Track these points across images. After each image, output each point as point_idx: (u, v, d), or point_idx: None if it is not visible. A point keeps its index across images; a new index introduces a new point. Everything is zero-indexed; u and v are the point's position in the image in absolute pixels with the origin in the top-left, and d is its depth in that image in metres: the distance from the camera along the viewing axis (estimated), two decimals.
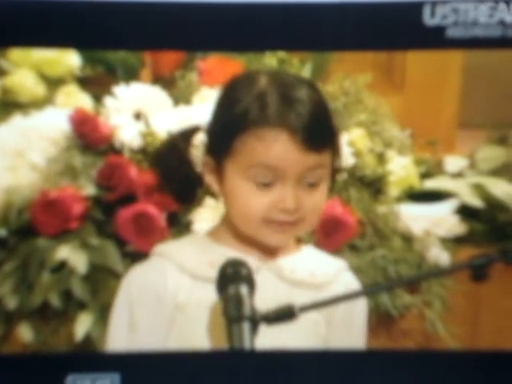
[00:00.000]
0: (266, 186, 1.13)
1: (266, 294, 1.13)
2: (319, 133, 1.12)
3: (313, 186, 1.14)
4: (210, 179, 1.18)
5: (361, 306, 1.21)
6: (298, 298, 1.13)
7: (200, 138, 1.20)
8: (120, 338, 1.18)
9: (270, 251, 1.17)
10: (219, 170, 1.16)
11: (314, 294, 1.17)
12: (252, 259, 1.15)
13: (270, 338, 1.12)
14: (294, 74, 1.32)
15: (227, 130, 1.14)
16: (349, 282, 1.21)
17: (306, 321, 1.12)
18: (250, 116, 1.12)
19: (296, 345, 1.15)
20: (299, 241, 1.23)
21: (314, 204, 1.15)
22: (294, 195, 1.13)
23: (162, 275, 1.17)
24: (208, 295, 1.14)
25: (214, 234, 1.21)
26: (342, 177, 1.64)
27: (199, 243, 1.20)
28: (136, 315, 1.17)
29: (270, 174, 1.13)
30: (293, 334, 1.14)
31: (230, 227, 1.18)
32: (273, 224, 1.14)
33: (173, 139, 1.22)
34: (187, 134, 1.21)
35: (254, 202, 1.13)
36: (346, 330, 1.20)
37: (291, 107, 1.12)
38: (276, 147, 1.12)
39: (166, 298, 1.16)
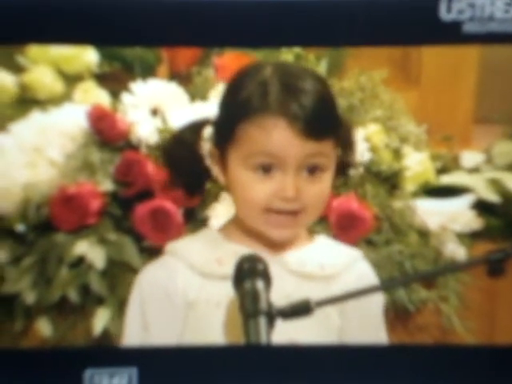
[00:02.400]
0: (267, 174, 1.13)
1: (275, 288, 1.14)
2: (319, 122, 1.12)
3: (314, 174, 1.14)
4: (216, 170, 1.18)
5: (376, 296, 1.21)
6: (308, 290, 1.13)
7: (209, 131, 1.20)
8: (134, 337, 1.19)
9: (278, 245, 1.18)
10: (223, 160, 1.17)
11: (324, 286, 1.17)
12: (261, 254, 1.15)
13: (280, 332, 1.12)
14: (304, 66, 1.32)
15: (230, 118, 1.15)
16: (363, 271, 1.21)
17: (316, 313, 1.12)
18: (252, 104, 1.13)
19: (308, 338, 1.15)
20: (312, 232, 1.23)
21: (316, 193, 1.14)
22: (293, 184, 1.13)
23: (171, 274, 1.18)
24: (217, 292, 1.14)
25: (224, 230, 1.21)
26: (359, 172, 1.64)
27: (209, 240, 1.20)
28: (148, 314, 1.18)
29: (270, 161, 1.13)
30: (304, 327, 1.14)
31: (238, 222, 1.19)
32: (274, 214, 1.14)
33: (181, 132, 1.22)
34: (196, 127, 1.21)
35: (255, 190, 1.13)
36: (363, 321, 1.20)
37: (292, 96, 1.12)
38: (275, 135, 1.12)
39: (176, 296, 1.17)
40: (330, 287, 1.17)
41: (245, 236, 1.18)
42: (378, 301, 1.22)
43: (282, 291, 1.14)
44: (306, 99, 1.12)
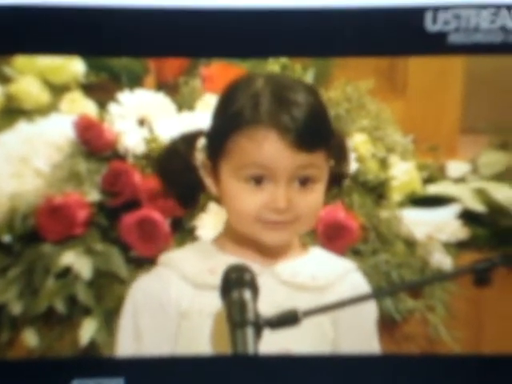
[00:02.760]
0: (258, 185, 1.14)
1: (267, 299, 1.14)
2: (310, 134, 1.13)
3: (306, 185, 1.15)
4: (208, 182, 1.19)
5: (369, 307, 1.21)
6: (300, 301, 1.14)
7: (202, 143, 1.21)
8: (127, 348, 1.19)
9: (271, 255, 1.18)
10: (215, 172, 1.17)
11: (317, 297, 1.17)
12: (253, 264, 1.15)
13: (273, 341, 1.12)
14: (296, 78, 1.32)
15: (222, 130, 1.16)
16: (356, 283, 1.21)
17: (309, 323, 1.13)
18: (243, 116, 1.13)
19: (300, 347, 1.16)
20: (305, 243, 1.23)
21: (309, 204, 1.15)
22: (285, 195, 1.13)
23: (164, 284, 1.18)
24: (209, 302, 1.14)
25: (217, 240, 1.21)
26: (345, 182, 1.64)
27: (202, 251, 1.20)
28: (141, 325, 1.18)
29: (262, 173, 1.13)
30: (297, 337, 1.14)
31: (230, 232, 1.19)
32: (266, 223, 1.14)
33: (174, 144, 1.23)
34: (189, 139, 1.22)
35: (247, 201, 1.14)
36: (355, 331, 1.20)
37: (284, 107, 1.12)
38: (266, 146, 1.12)
39: (169, 307, 1.17)
40: (322, 298, 1.17)
41: (237, 246, 1.18)
42: (371, 311, 1.22)
43: (274, 302, 1.15)
44: (297, 111, 1.12)
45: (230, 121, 1.14)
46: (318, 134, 1.14)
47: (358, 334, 1.21)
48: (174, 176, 1.21)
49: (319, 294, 1.18)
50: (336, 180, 1.21)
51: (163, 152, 1.24)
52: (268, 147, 1.12)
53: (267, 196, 1.13)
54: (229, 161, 1.15)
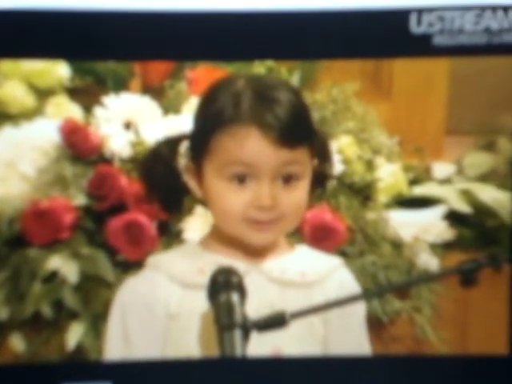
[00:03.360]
0: (242, 184, 1.14)
1: (257, 297, 1.14)
2: (292, 130, 1.13)
3: (290, 183, 1.15)
4: (192, 184, 1.19)
5: (359, 306, 1.22)
6: (289, 298, 1.14)
7: (185, 146, 1.21)
8: (115, 351, 1.19)
9: (258, 253, 1.18)
10: (199, 173, 1.17)
11: (306, 294, 1.17)
12: (241, 263, 1.15)
13: (265, 342, 1.12)
14: (277, 78, 1.32)
15: (204, 130, 1.16)
16: (344, 279, 1.22)
17: (300, 323, 1.13)
18: (225, 115, 1.14)
19: (291, 347, 1.16)
20: (291, 241, 1.23)
21: (293, 201, 1.15)
22: (269, 192, 1.13)
23: (152, 286, 1.18)
24: (199, 302, 1.14)
25: (204, 241, 1.21)
26: (332, 184, 1.64)
27: (189, 252, 1.20)
28: (129, 327, 1.18)
29: (245, 171, 1.13)
30: (288, 337, 1.14)
31: (217, 234, 1.19)
32: (252, 223, 1.14)
33: (157, 148, 1.23)
34: (172, 143, 1.22)
35: (232, 200, 1.14)
36: (345, 328, 1.20)
37: (265, 105, 1.13)
38: (248, 144, 1.13)
39: (157, 308, 1.17)
40: (311, 295, 1.18)
41: (225, 246, 1.18)
42: (360, 310, 1.23)
43: (264, 299, 1.15)
44: (278, 108, 1.13)
45: (212, 120, 1.15)
46: (300, 130, 1.14)
47: (348, 333, 1.21)
48: (157, 180, 1.21)
49: (308, 290, 1.18)
50: (319, 180, 1.21)
51: (146, 157, 1.24)
52: (250, 145, 1.13)
53: (251, 194, 1.14)
54: (212, 160, 1.15)
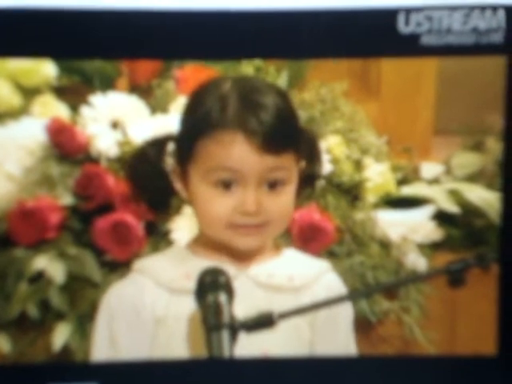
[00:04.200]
0: (227, 189, 1.14)
1: (244, 302, 1.14)
2: (277, 136, 1.13)
3: (275, 188, 1.15)
4: (178, 186, 1.18)
5: (346, 308, 1.22)
6: (277, 303, 1.14)
7: (172, 147, 1.20)
8: (102, 355, 1.18)
9: (244, 258, 1.18)
10: (185, 177, 1.17)
11: (294, 298, 1.17)
12: (228, 267, 1.15)
13: (251, 344, 1.12)
14: (265, 80, 1.32)
15: (189, 134, 1.16)
16: (331, 283, 1.22)
17: (287, 325, 1.13)
18: (210, 119, 1.13)
19: (278, 350, 1.16)
20: (279, 245, 1.23)
21: (279, 207, 1.15)
22: (254, 198, 1.13)
23: (139, 291, 1.17)
24: (186, 307, 1.14)
25: (191, 246, 1.21)
26: (320, 184, 1.64)
27: (176, 256, 1.20)
28: (115, 332, 1.18)
29: (230, 177, 1.13)
30: (274, 339, 1.14)
31: (204, 238, 1.19)
32: (237, 227, 1.14)
33: (143, 148, 1.22)
34: (159, 143, 1.21)
35: (217, 206, 1.14)
36: (331, 332, 1.20)
37: (251, 110, 1.12)
38: (233, 149, 1.12)
39: (144, 313, 1.17)
40: (299, 299, 1.17)
41: (211, 251, 1.18)
42: (348, 313, 1.23)
43: (251, 304, 1.15)
44: (264, 114, 1.12)
45: (198, 124, 1.14)
46: (285, 136, 1.14)
47: (334, 335, 1.21)
48: (143, 181, 1.20)
49: (295, 295, 1.18)
50: (308, 181, 1.21)
51: (132, 157, 1.24)
52: (235, 151, 1.12)
53: (236, 200, 1.13)
54: (197, 165, 1.14)
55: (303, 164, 1.19)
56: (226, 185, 1.13)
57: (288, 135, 1.15)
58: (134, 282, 1.19)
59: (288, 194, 1.16)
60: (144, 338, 1.16)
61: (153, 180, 1.19)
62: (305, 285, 1.19)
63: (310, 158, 1.21)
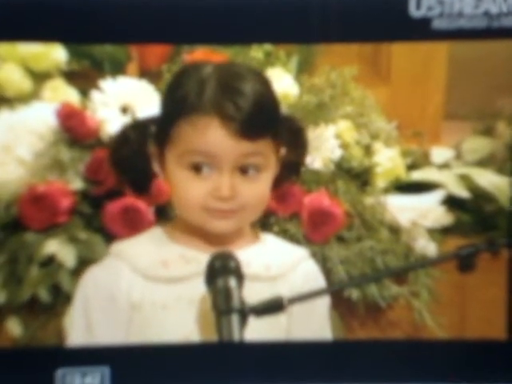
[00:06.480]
0: (201, 173, 1.14)
1: None
2: (254, 123, 1.12)
3: (250, 174, 1.15)
4: (157, 169, 1.19)
5: (322, 298, 1.21)
6: (253, 291, 1.13)
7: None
8: (78, 338, 1.18)
9: (222, 244, 1.17)
10: (162, 159, 1.17)
11: (270, 287, 1.17)
12: (205, 254, 1.15)
13: None
14: (251, 67, 1.31)
15: (167, 117, 1.16)
16: (308, 270, 1.22)
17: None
18: (187, 103, 1.13)
19: (254, 336, 1.16)
20: (257, 231, 1.23)
21: (254, 193, 1.15)
22: (229, 183, 1.13)
23: (115, 276, 1.18)
24: (163, 295, 1.14)
25: (169, 230, 1.21)
26: (330, 169, 1.64)
27: (154, 241, 1.20)
28: (91, 316, 1.18)
29: (205, 161, 1.13)
30: (252, 328, 1.14)
31: (180, 222, 1.19)
32: (212, 211, 1.14)
33: (125, 131, 1.22)
34: (141, 126, 1.21)
35: (192, 190, 1.14)
36: (307, 320, 1.20)
37: (227, 96, 1.12)
38: (209, 134, 1.12)
39: (119, 298, 1.17)
40: (276, 287, 1.18)
41: (187, 236, 1.18)
42: (324, 301, 1.23)
43: None
44: (241, 100, 1.12)
45: (175, 107, 1.14)
46: (263, 123, 1.14)
47: (310, 323, 1.21)
48: (125, 163, 1.20)
49: (272, 284, 1.18)
50: (291, 169, 1.21)
51: (114, 140, 1.24)
52: (211, 135, 1.12)
53: (211, 184, 1.13)
54: (173, 148, 1.14)
55: (283, 151, 1.18)
56: (200, 168, 1.13)
57: (266, 122, 1.14)
58: (110, 266, 1.19)
59: (264, 180, 1.15)
60: (120, 323, 1.16)
61: (134, 162, 1.19)
62: (281, 274, 1.19)
63: (292, 146, 1.20)
